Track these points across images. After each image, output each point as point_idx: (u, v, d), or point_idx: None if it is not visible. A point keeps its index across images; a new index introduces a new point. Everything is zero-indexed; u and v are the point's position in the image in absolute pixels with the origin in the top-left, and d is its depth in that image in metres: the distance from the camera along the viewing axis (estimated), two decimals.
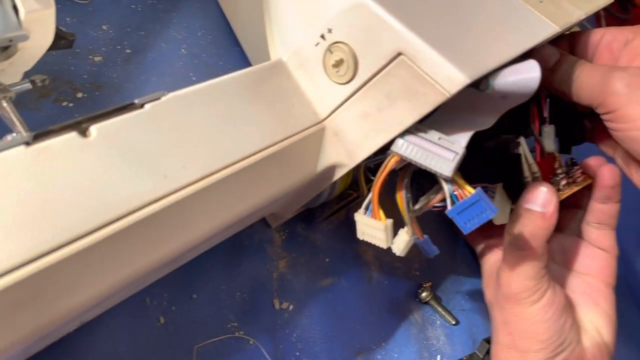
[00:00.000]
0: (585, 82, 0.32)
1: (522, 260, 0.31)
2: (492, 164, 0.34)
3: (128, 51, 0.37)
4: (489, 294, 0.38)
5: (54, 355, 0.26)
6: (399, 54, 0.24)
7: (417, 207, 0.29)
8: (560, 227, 0.39)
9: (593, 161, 0.37)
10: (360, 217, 0.29)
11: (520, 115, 0.35)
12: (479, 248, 0.42)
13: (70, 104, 0.33)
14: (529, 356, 0.32)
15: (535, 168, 0.33)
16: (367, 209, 0.28)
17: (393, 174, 0.28)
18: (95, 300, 0.21)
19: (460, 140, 0.25)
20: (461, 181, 0.26)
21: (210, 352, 0.31)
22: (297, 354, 0.35)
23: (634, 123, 0.30)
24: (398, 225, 0.29)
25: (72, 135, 0.20)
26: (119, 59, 0.37)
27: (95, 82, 0.35)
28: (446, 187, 0.27)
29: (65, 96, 0.33)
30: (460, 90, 0.24)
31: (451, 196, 0.27)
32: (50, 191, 0.19)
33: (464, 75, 0.23)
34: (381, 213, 0.28)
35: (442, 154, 0.25)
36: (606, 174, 0.35)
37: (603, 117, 0.32)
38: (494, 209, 0.26)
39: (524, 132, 0.35)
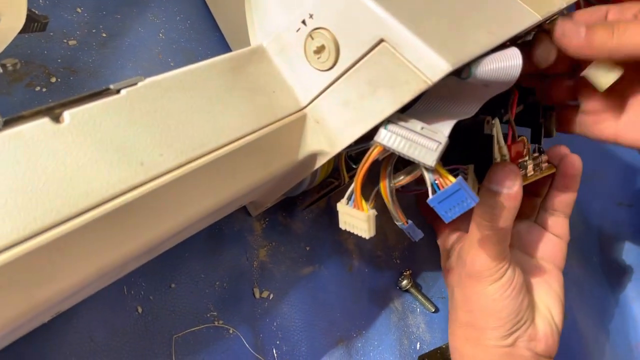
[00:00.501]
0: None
1: (486, 239, 0.33)
2: (465, 143, 0.34)
3: (104, 35, 0.36)
4: (448, 275, 0.40)
5: (29, 346, 0.26)
6: (381, 41, 0.24)
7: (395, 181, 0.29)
8: (519, 214, 0.40)
9: (559, 150, 0.38)
10: (342, 207, 0.28)
11: (497, 97, 0.35)
12: (440, 229, 0.43)
13: (44, 89, 0.32)
14: (487, 333, 0.34)
15: (505, 151, 0.34)
16: (349, 199, 0.28)
17: (374, 162, 0.28)
18: (70, 290, 0.20)
19: (443, 130, 0.25)
20: (442, 170, 0.26)
21: (189, 342, 0.31)
22: (278, 342, 0.35)
23: None
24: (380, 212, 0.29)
25: (45, 121, 0.20)
26: (94, 43, 0.36)
27: (69, 67, 0.34)
28: (427, 176, 0.27)
29: (38, 81, 0.32)
30: (442, 78, 0.23)
31: (432, 185, 0.27)
32: (22, 179, 0.18)
33: (447, 62, 0.23)
34: (364, 203, 0.28)
35: (425, 143, 0.25)
36: (570, 162, 0.37)
37: None
38: (475, 198, 0.26)
39: (499, 113, 0.35)
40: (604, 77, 0.34)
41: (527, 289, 0.35)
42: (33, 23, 0.29)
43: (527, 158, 0.36)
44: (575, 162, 0.37)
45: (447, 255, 0.41)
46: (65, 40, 0.35)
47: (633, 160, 0.69)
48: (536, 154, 0.37)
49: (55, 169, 0.19)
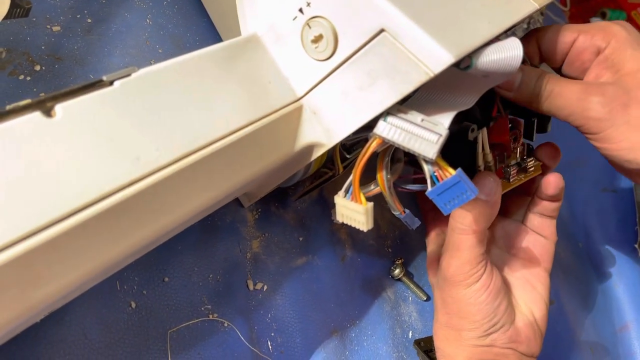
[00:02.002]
0: (562, 104, 0.31)
1: (461, 244, 0.33)
2: (450, 148, 0.34)
3: (89, 21, 0.35)
4: (431, 275, 0.40)
5: (22, 345, 0.25)
6: (382, 31, 0.24)
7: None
8: (507, 213, 0.40)
9: (546, 149, 0.39)
10: (340, 200, 0.28)
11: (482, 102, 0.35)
12: (428, 229, 0.43)
13: (28, 78, 0.31)
14: (463, 334, 0.34)
15: (489, 157, 0.34)
16: (347, 192, 0.28)
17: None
18: (66, 290, 0.20)
19: (443, 122, 0.25)
20: (442, 162, 0.26)
21: (184, 336, 0.30)
22: (272, 334, 0.34)
23: (617, 144, 0.30)
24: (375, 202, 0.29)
25: (36, 115, 0.19)
26: (80, 29, 0.34)
27: (54, 54, 0.33)
28: (427, 168, 0.26)
29: (22, 69, 0.31)
30: (444, 70, 0.23)
31: (431, 177, 0.26)
32: (13, 177, 0.17)
33: (449, 53, 0.22)
34: (362, 196, 0.27)
35: (425, 136, 0.24)
36: (550, 182, 0.37)
37: (586, 135, 0.32)
38: (475, 190, 0.25)
39: (486, 118, 0.35)
40: None
41: (507, 291, 0.35)
42: (15, 8, 0.28)
43: (512, 162, 0.36)
44: (556, 181, 0.37)
45: (431, 255, 0.41)
46: (48, 26, 0.33)
47: None
48: (524, 157, 0.37)
49: (49, 166, 0.18)
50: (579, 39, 0.33)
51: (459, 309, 0.34)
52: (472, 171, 0.34)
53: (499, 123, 0.35)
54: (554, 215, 0.39)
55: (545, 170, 0.39)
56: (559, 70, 0.36)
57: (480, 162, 0.34)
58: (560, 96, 0.31)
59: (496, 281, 0.33)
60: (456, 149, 0.33)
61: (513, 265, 0.38)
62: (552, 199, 0.38)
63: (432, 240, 0.43)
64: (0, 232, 0.17)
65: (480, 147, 0.34)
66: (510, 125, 0.36)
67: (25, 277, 0.17)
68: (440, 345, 0.36)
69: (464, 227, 0.32)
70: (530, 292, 0.37)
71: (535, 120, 0.37)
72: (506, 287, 0.35)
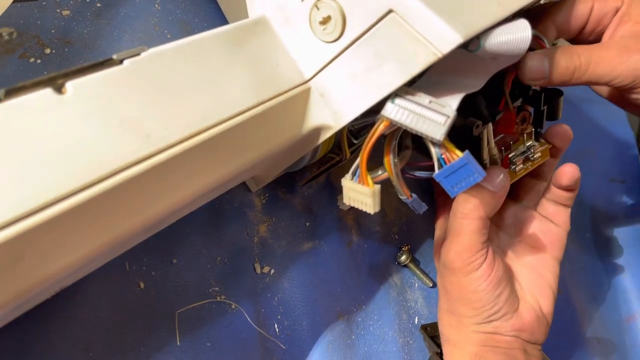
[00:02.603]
0: (604, 71, 0.31)
1: (461, 229, 0.32)
2: (456, 142, 0.34)
3: (98, 5, 0.35)
4: (436, 260, 0.40)
5: (34, 320, 0.25)
6: (390, 11, 0.24)
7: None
8: (518, 197, 0.40)
9: (557, 129, 0.38)
10: (347, 183, 0.28)
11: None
12: (438, 213, 0.43)
13: (38, 61, 0.31)
14: (464, 320, 0.34)
15: (495, 151, 0.34)
16: (354, 174, 0.28)
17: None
18: (77, 264, 0.20)
19: (451, 103, 0.25)
20: (449, 144, 0.26)
21: (192, 317, 0.31)
22: (279, 317, 0.35)
23: None
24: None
25: (47, 92, 0.19)
26: (89, 14, 0.35)
27: (64, 38, 0.33)
28: (434, 151, 0.26)
29: (32, 52, 0.31)
30: (452, 51, 0.23)
31: (439, 159, 0.26)
32: (25, 151, 0.18)
33: (457, 34, 0.22)
34: (369, 178, 0.27)
35: (433, 117, 0.24)
36: (565, 173, 0.36)
37: (626, 92, 0.32)
38: (482, 172, 0.25)
39: (492, 112, 0.34)
40: None
41: (510, 280, 0.35)
42: None
43: (516, 156, 0.36)
44: (571, 172, 0.36)
45: (438, 240, 0.41)
46: (58, 10, 0.33)
47: (625, 137, 0.69)
48: (530, 143, 0.37)
49: (60, 141, 0.18)
50: (594, 7, 0.33)
51: (460, 296, 0.34)
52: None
53: (505, 116, 0.35)
54: (568, 204, 0.38)
55: (555, 154, 0.38)
56: (572, 41, 0.36)
57: (486, 155, 0.34)
58: (601, 63, 0.31)
59: (497, 270, 0.33)
60: (461, 144, 0.34)
61: (521, 253, 0.38)
62: (567, 188, 0.37)
63: (440, 225, 0.43)
64: (13, 205, 0.17)
65: (485, 141, 0.33)
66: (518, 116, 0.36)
67: (37, 249, 0.18)
68: (444, 331, 0.36)
69: (465, 212, 0.32)
70: (537, 280, 0.36)
71: (545, 109, 0.37)
72: (509, 276, 0.35)
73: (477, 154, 0.34)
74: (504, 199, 0.33)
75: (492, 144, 0.34)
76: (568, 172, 0.36)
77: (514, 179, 0.36)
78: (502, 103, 0.34)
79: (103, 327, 0.27)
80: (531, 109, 0.37)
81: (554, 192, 0.38)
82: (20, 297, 0.19)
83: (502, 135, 0.35)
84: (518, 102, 0.36)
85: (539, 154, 0.37)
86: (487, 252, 0.33)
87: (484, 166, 0.33)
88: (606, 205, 0.65)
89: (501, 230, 0.39)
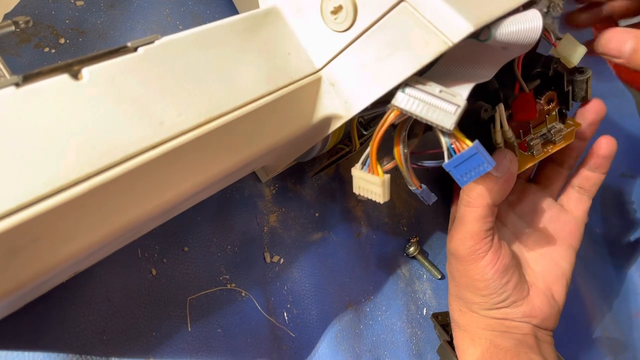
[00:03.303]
0: None
1: (465, 217, 0.33)
2: (467, 127, 0.34)
3: None
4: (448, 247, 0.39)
5: (48, 304, 0.26)
6: (401, 1, 0.24)
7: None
8: (540, 184, 0.40)
9: (591, 105, 0.37)
10: (357, 172, 0.28)
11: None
12: (454, 201, 0.43)
13: (53, 50, 0.32)
14: (473, 306, 0.35)
15: (510, 134, 0.34)
16: (364, 163, 0.28)
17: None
18: (91, 248, 0.20)
19: (462, 93, 0.25)
20: (459, 134, 0.26)
21: (203, 304, 0.31)
22: (288, 306, 0.35)
23: None
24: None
25: (64, 77, 0.19)
26: (102, 4, 0.35)
27: (78, 28, 0.33)
28: (444, 140, 0.26)
29: (46, 42, 0.32)
30: (462, 40, 0.23)
31: (448, 149, 0.26)
32: (42, 135, 0.18)
33: (468, 23, 0.22)
34: (379, 168, 0.28)
35: (443, 106, 0.24)
36: (603, 144, 0.36)
37: None
38: (492, 162, 0.26)
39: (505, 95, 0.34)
40: (573, 57, 0.34)
41: (518, 267, 0.35)
42: None
43: (536, 133, 0.35)
44: (610, 143, 0.36)
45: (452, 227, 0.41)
46: (72, 1, 0.34)
47: (635, 132, 0.69)
48: (552, 125, 0.36)
49: (76, 125, 0.19)
50: None
51: (467, 283, 0.34)
52: (490, 149, 0.33)
53: (523, 100, 0.34)
54: (592, 191, 0.38)
55: (582, 136, 0.38)
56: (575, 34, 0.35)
57: (500, 139, 0.34)
58: None
59: (504, 258, 0.33)
60: (472, 129, 0.33)
61: (537, 240, 0.38)
62: (598, 166, 0.37)
63: (453, 213, 0.43)
64: (31, 187, 0.17)
65: (498, 124, 0.33)
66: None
67: (53, 231, 0.18)
68: (454, 316, 0.36)
69: (469, 200, 0.32)
70: (552, 267, 0.36)
71: (571, 89, 0.36)
72: (517, 263, 0.35)
73: (488, 139, 0.34)
74: (511, 185, 0.32)
75: (507, 127, 0.33)
76: (606, 141, 0.37)
77: (531, 162, 0.35)
78: (517, 87, 0.34)
79: (116, 312, 0.28)
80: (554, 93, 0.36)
81: (582, 175, 0.38)
82: (37, 278, 0.19)
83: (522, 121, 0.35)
84: (536, 83, 0.35)
85: (561, 137, 0.36)
86: (492, 240, 0.33)
87: (495, 149, 0.33)
88: (616, 200, 0.65)
89: (519, 216, 0.39)
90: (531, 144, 0.35)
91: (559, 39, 0.35)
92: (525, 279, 0.35)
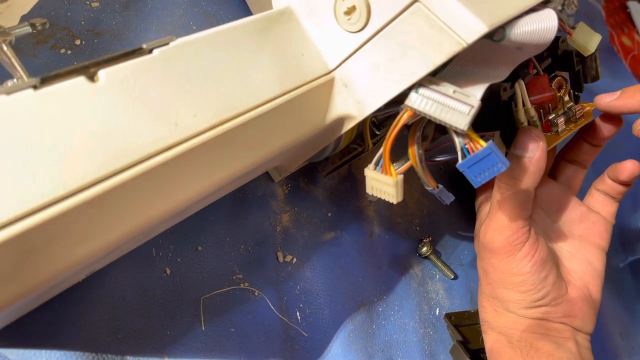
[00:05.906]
0: None
1: (502, 205, 0.31)
2: (488, 110, 0.33)
3: None
4: (476, 244, 0.38)
5: (64, 303, 0.26)
6: (415, 1, 0.24)
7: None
8: (561, 182, 0.39)
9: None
10: (370, 173, 0.28)
11: None
12: (479, 198, 0.42)
13: (69, 52, 0.32)
14: (510, 306, 0.33)
15: (532, 112, 0.33)
16: (377, 164, 0.28)
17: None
18: (107, 248, 0.20)
19: (476, 93, 0.24)
20: (473, 134, 0.26)
21: (217, 303, 0.31)
22: (301, 305, 0.35)
23: None
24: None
25: (80, 80, 0.19)
26: (117, 5, 0.35)
27: (93, 29, 0.34)
28: (457, 140, 0.26)
29: (63, 43, 0.32)
30: (476, 41, 0.23)
31: (462, 149, 0.26)
32: (60, 137, 0.18)
33: (483, 23, 0.22)
34: (392, 168, 0.27)
35: (457, 107, 0.24)
36: (626, 169, 0.36)
37: None
38: (506, 162, 0.25)
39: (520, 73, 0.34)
40: (590, 45, 0.34)
41: (555, 263, 0.33)
42: None
43: (559, 112, 0.35)
44: (628, 169, 0.36)
45: (479, 223, 0.39)
46: (87, 2, 0.34)
47: None
48: (570, 104, 0.36)
49: (93, 127, 0.19)
50: None
51: (502, 280, 0.32)
52: (513, 129, 0.33)
53: (537, 81, 0.34)
54: (618, 197, 0.38)
55: (600, 140, 0.37)
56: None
57: (523, 118, 0.33)
58: None
59: (541, 251, 0.32)
60: (494, 111, 0.32)
61: (569, 240, 0.37)
62: (624, 183, 0.36)
63: (481, 207, 0.41)
64: (48, 189, 0.17)
65: (520, 102, 0.32)
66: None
67: (71, 231, 0.18)
68: (487, 318, 0.35)
69: (506, 186, 0.31)
70: (586, 266, 0.35)
71: (581, 69, 0.36)
72: (554, 258, 0.34)
73: (511, 119, 0.33)
74: (544, 164, 0.31)
75: (529, 104, 0.32)
76: (629, 168, 0.35)
77: (557, 140, 0.35)
78: (530, 66, 0.34)
79: (131, 311, 0.28)
80: (566, 74, 0.36)
81: (608, 184, 0.37)
82: (54, 279, 0.19)
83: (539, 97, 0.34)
84: (547, 62, 0.35)
85: (582, 114, 0.36)
86: (529, 230, 0.31)
87: (519, 128, 0.33)
88: (630, 197, 0.64)
89: (548, 215, 0.38)
90: (555, 121, 0.34)
91: (572, 28, 0.35)
92: (562, 276, 0.34)
